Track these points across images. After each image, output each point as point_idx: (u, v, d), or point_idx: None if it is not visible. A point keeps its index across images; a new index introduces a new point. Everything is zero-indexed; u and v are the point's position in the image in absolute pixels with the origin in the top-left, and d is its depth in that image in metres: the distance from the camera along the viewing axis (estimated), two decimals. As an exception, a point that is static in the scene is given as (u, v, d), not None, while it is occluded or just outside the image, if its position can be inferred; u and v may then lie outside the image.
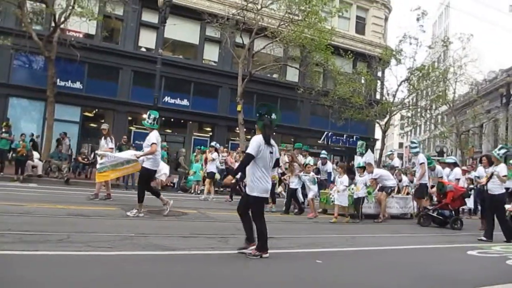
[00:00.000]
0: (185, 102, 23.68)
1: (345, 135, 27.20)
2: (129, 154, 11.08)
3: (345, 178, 10.93)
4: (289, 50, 24.13)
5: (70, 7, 16.56)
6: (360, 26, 29.59)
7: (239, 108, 20.73)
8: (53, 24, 17.51)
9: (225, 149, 18.70)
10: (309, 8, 20.22)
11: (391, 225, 11.19)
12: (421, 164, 11.71)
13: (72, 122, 21.00)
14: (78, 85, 21.23)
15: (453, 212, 11.23)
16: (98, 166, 10.71)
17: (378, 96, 27.86)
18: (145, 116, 9.74)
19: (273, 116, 6.16)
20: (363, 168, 11.49)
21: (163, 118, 22.57)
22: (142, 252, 5.50)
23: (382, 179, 12.05)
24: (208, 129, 25.00)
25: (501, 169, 9.07)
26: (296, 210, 11.92)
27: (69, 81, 20.92)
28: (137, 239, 6.31)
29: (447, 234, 9.94)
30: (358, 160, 12.74)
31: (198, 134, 24.68)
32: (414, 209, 13.03)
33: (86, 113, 22.19)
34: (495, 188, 9.07)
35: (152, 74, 18.56)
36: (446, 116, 37.55)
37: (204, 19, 21.64)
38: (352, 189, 11.55)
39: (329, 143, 26.98)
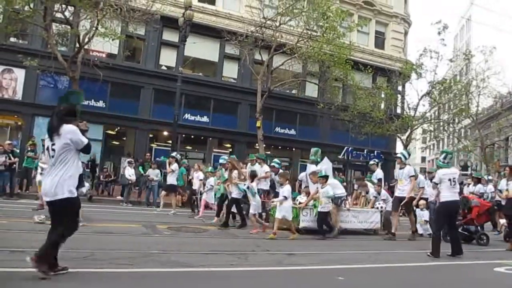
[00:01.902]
0: (205, 119, 23.91)
1: (365, 150, 26.94)
2: None
3: (286, 188, 9.80)
4: (308, 66, 24.20)
5: (94, 28, 17.00)
6: (380, 40, 29.54)
7: (258, 124, 20.80)
8: (77, 45, 17.98)
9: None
10: (327, 24, 20.31)
11: (414, 242, 10.97)
12: (411, 177, 10.93)
13: (95, 140, 21.36)
14: (101, 103, 21.68)
15: (478, 227, 10.97)
16: None
17: (398, 110, 27.62)
18: None
19: (73, 100, 5.48)
20: (325, 178, 10.23)
21: (183, 135, 22.89)
22: (163, 269, 5.53)
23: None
24: (228, 145, 25.13)
25: None
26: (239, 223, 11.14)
27: (92, 100, 21.37)
28: (158, 256, 6.36)
29: (472, 250, 9.66)
30: (311, 169, 11.50)
31: (218, 150, 24.80)
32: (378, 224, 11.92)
33: (109, 131, 22.58)
34: None
35: (172, 91, 18.83)
36: (469, 129, 36.94)
37: (224, 37, 21.97)
38: (314, 202, 10.52)
39: (349, 158, 26.76)
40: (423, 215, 12.09)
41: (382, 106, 25.91)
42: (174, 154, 14.55)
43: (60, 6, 16.88)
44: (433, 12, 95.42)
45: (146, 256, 6.29)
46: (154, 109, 22.62)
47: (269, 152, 24.43)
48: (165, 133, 23.10)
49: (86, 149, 5.14)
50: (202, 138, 24.39)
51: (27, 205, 12.58)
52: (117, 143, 23.72)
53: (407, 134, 26.54)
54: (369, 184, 12.52)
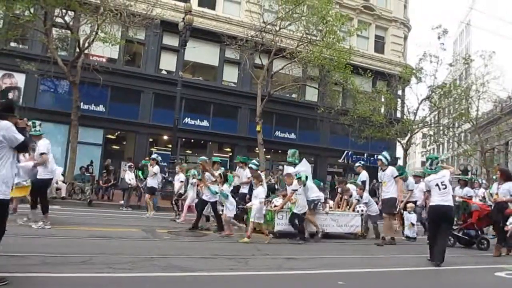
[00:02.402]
0: (205, 123, 23.92)
1: (365, 154, 26.92)
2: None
3: (260, 190, 9.60)
4: (307, 70, 24.24)
5: (94, 33, 17.03)
6: (379, 45, 29.60)
7: (258, 128, 20.80)
8: (77, 50, 18.01)
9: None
10: (326, 28, 20.36)
11: (412, 246, 10.93)
12: (395, 177, 10.63)
13: (95, 145, 21.40)
14: (101, 108, 21.69)
15: (479, 232, 10.92)
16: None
17: (398, 115, 27.64)
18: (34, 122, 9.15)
19: (11, 96, 5.09)
20: (301, 179, 9.87)
21: (183, 140, 22.91)
22: (163, 274, 5.51)
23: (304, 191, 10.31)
24: (228, 149, 25.12)
25: None
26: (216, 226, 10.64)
27: (93, 105, 21.38)
28: (158, 260, 6.34)
29: (472, 255, 9.64)
30: (288, 171, 10.97)
31: (218, 154, 24.73)
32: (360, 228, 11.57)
33: (109, 136, 22.59)
34: None
35: (172, 96, 18.84)
36: (469, 134, 36.92)
37: (224, 41, 22.01)
38: (289, 205, 10.16)
39: (350, 162, 26.75)
40: (411, 218, 11.81)
41: (382, 110, 25.93)
42: (154, 156, 14.20)
43: (60, 11, 16.93)
44: (432, 16, 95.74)
45: (146, 260, 6.27)
46: (154, 113, 22.63)
47: (269, 156, 24.46)
48: (165, 137, 23.11)
49: (21, 147, 4.88)
50: (202, 142, 24.38)
51: (26, 210, 12.55)
52: (117, 147, 23.69)
53: (407, 138, 26.55)
54: (353, 186, 12.27)
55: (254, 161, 12.26)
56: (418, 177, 12.75)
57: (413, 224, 11.75)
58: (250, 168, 11.52)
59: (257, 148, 21.46)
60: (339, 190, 12.73)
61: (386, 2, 30.24)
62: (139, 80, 22.24)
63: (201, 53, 23.25)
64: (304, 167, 11.22)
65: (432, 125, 29.44)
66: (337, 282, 5.76)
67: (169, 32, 22.61)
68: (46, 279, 4.86)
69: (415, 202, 12.21)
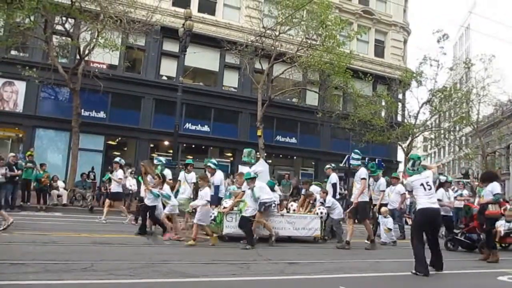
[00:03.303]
0: (205, 128, 23.92)
1: (366, 158, 26.83)
2: None
3: (206, 191, 9.21)
4: (308, 75, 24.27)
5: (94, 40, 17.09)
6: (379, 49, 29.65)
7: (259, 133, 20.83)
8: (77, 57, 18.07)
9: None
10: (326, 33, 20.42)
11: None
12: (362, 179, 10.07)
13: (96, 151, 21.40)
14: (101, 114, 21.71)
15: (481, 235, 10.85)
16: None
17: (399, 118, 27.65)
18: None
19: None
20: (252, 179, 9.35)
21: (184, 145, 22.92)
22: (164, 280, 5.49)
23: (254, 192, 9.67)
24: (229, 154, 25.11)
25: None
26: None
27: (93, 111, 21.40)
28: (159, 266, 6.32)
29: (474, 259, 9.59)
30: (244, 171, 10.59)
31: (219, 159, 24.70)
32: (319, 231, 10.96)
33: (110, 142, 22.60)
34: None
35: (173, 101, 18.86)
36: (470, 137, 36.94)
37: (224, 46, 22.07)
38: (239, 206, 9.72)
39: (351, 166, 26.70)
40: (387, 222, 11.34)
41: (383, 114, 25.96)
42: (117, 159, 13.55)
43: (61, 19, 17.02)
44: (432, 20, 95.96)
45: (148, 266, 6.25)
46: (154, 119, 22.65)
47: (270, 161, 24.43)
48: (166, 142, 23.10)
49: None
50: (203, 147, 24.37)
51: (28, 217, 12.56)
52: (118, 153, 23.66)
53: (408, 142, 26.57)
54: (316, 188, 11.98)
55: (213, 160, 11.95)
56: (396, 179, 12.39)
57: (389, 229, 11.29)
58: (209, 167, 11.03)
59: (258, 153, 21.45)
60: (303, 192, 12.34)
61: (385, 6, 30.31)
62: (140, 86, 22.27)
63: (201, 58, 23.29)
64: (261, 167, 10.89)
65: (433, 128, 29.46)
66: (339, 286, 5.73)
67: (169, 38, 22.66)
68: (48, 286, 4.84)
69: (385, 205, 11.83)
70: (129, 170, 16.47)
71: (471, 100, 27.69)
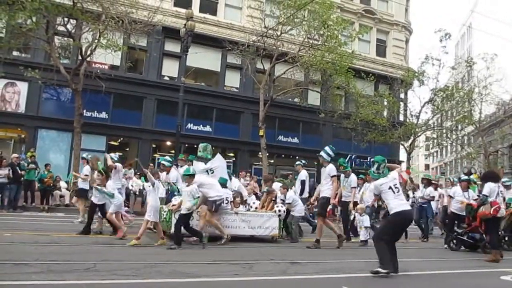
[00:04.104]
0: (207, 128, 23.93)
1: (368, 158, 26.86)
2: None
3: (157, 185, 9.00)
4: (310, 75, 24.25)
5: (96, 40, 17.11)
6: (381, 48, 29.61)
7: (261, 133, 20.82)
8: (79, 57, 18.10)
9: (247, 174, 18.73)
10: (328, 33, 20.41)
11: (413, 250, 10.87)
12: (332, 177, 9.73)
13: (98, 152, 21.35)
14: (103, 115, 21.74)
15: (483, 235, 10.82)
16: None
17: (401, 118, 27.62)
18: None
19: None
20: (191, 176, 8.82)
21: (186, 145, 22.91)
22: (167, 280, 5.49)
23: (203, 189, 9.09)
24: (231, 154, 25.10)
25: None
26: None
27: (95, 112, 21.43)
28: (162, 266, 6.33)
29: (477, 259, 9.56)
30: (199, 167, 10.24)
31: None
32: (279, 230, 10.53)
33: (112, 142, 22.61)
34: None
35: (175, 102, 18.89)
36: (473, 136, 36.86)
37: (225, 46, 22.09)
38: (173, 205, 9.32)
39: (353, 166, 26.69)
40: (363, 220, 10.81)
41: (385, 113, 25.93)
42: (85, 155, 13.14)
43: (63, 20, 17.04)
44: (434, 19, 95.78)
45: (150, 267, 6.26)
46: (156, 119, 22.67)
47: (272, 161, 24.45)
48: (168, 143, 23.11)
49: None
50: (205, 147, 24.33)
51: (31, 218, 12.60)
52: (120, 154, 23.66)
53: (410, 141, 26.54)
54: (279, 185, 11.58)
55: (167, 157, 11.55)
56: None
57: (366, 228, 10.82)
58: (162, 165, 10.79)
59: (260, 153, 21.46)
60: (265, 189, 11.92)
61: (387, 5, 30.28)
62: (142, 87, 22.29)
63: (203, 58, 23.29)
64: (218, 163, 10.53)
65: (435, 128, 29.38)
66: (342, 286, 5.72)
67: (171, 38, 22.67)
68: (50, 287, 4.85)
69: (356, 203, 11.32)
70: (131, 170, 16.49)
71: (473, 99, 27.64)
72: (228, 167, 14.76)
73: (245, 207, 10.83)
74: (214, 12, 24.60)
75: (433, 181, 14.49)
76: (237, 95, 24.52)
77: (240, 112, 24.56)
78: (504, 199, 10.05)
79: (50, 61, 18.61)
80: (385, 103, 25.90)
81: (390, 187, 6.95)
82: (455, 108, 27.65)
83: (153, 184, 8.86)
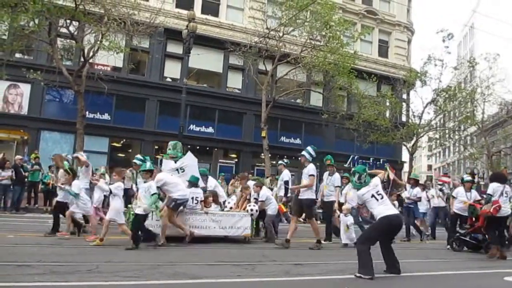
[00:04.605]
0: (210, 129, 23.94)
1: (371, 158, 26.84)
2: None
3: (117, 185, 8.62)
4: (312, 75, 24.24)
5: (98, 42, 17.15)
6: (383, 49, 29.58)
7: (263, 134, 20.82)
8: (82, 59, 18.13)
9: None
10: (330, 33, 20.41)
11: (417, 250, 10.82)
12: (310, 176, 9.62)
13: (100, 153, 21.43)
14: (106, 116, 21.78)
15: (486, 236, 10.78)
16: None
17: (404, 118, 27.58)
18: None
19: None
20: (148, 172, 8.57)
21: (188, 146, 22.92)
22: (170, 281, 5.48)
23: (167, 188, 8.87)
24: (234, 155, 25.11)
25: None
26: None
27: (98, 113, 21.48)
28: (164, 268, 6.33)
29: (481, 259, 9.54)
30: (168, 165, 10.03)
31: (224, 161, 24.79)
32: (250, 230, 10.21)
33: (114, 144, 22.65)
34: None
35: (177, 103, 18.90)
36: (475, 137, 36.78)
37: (227, 48, 22.11)
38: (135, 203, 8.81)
39: (355, 166, 26.67)
40: (348, 221, 10.43)
41: (387, 114, 25.89)
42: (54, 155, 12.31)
43: (65, 22, 17.05)
44: (436, 20, 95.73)
45: (153, 268, 6.26)
46: (159, 120, 22.70)
47: (274, 162, 24.41)
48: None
49: None
50: (207, 149, 24.38)
51: (33, 219, 12.62)
52: (122, 155, 23.72)
53: (412, 142, 26.49)
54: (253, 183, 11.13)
55: (139, 156, 11.28)
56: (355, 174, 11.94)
57: (348, 227, 10.43)
58: (135, 164, 10.47)
59: (262, 154, 21.46)
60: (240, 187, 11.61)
61: (389, 6, 30.26)
62: (144, 88, 22.32)
63: (205, 60, 23.32)
64: (189, 161, 10.27)
65: (438, 128, 29.33)
66: (345, 287, 5.71)
67: (173, 39, 22.70)
68: (52, 288, 4.86)
69: (341, 203, 11.14)
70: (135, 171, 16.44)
71: (476, 100, 27.57)
72: (205, 166, 14.55)
73: (220, 206, 10.60)
74: (216, 14, 24.63)
75: (425, 182, 14.54)
76: (239, 96, 24.53)
77: (243, 113, 24.56)
78: (510, 199, 10.05)
79: (52, 63, 18.65)
80: (388, 103, 25.88)
81: (372, 195, 6.90)
82: (458, 109, 27.60)
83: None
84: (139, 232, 8.22)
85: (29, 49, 19.89)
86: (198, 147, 24.12)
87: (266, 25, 21.13)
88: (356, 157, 26.55)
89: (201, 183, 10.33)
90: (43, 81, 18.10)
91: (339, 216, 10.84)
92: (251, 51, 21.45)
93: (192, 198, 9.40)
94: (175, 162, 10.15)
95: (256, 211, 10.08)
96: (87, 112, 19.21)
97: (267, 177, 18.91)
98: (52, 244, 7.90)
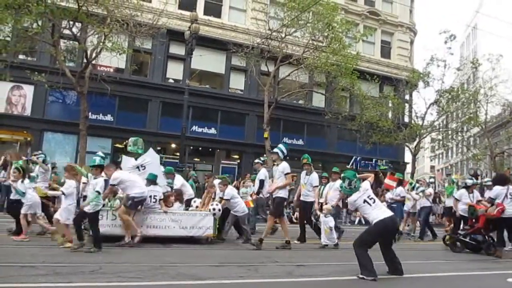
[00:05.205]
0: (212, 130, 23.95)
1: (374, 159, 26.83)
2: None
3: (68, 185, 8.22)
4: (314, 76, 24.23)
5: (101, 43, 17.19)
6: (386, 50, 29.56)
7: (266, 135, 20.82)
8: (85, 60, 18.18)
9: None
10: (332, 34, 20.41)
11: (419, 252, 10.81)
12: (286, 174, 9.47)
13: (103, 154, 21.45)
14: (109, 117, 21.83)
15: (486, 237, 10.74)
16: None
17: (406, 119, 27.54)
18: None
19: None
20: (98, 168, 8.23)
21: (191, 147, 22.98)
22: (173, 282, 5.50)
23: (123, 186, 8.59)
24: (236, 156, 25.11)
25: None
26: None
27: (101, 114, 21.53)
28: (167, 269, 6.34)
29: (483, 260, 9.51)
30: (128, 163, 9.78)
31: (226, 162, 24.79)
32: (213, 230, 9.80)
33: (117, 145, 22.69)
34: None
35: (180, 104, 18.92)
36: (478, 138, 36.66)
37: (230, 49, 22.13)
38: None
39: (358, 167, 26.64)
40: (328, 221, 10.10)
41: (390, 115, 25.86)
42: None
43: (68, 23, 17.10)
44: (438, 20, 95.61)
45: (156, 269, 6.27)
46: (161, 122, 22.72)
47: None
48: (173, 145, 23.17)
49: None
50: (210, 150, 24.41)
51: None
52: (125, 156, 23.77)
53: (415, 143, 26.46)
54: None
55: (99, 152, 10.77)
56: (336, 174, 11.43)
57: (331, 229, 10.15)
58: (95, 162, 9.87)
59: (265, 155, 21.43)
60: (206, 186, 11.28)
61: (391, 7, 30.23)
62: (147, 89, 22.36)
63: (207, 61, 23.35)
64: (150, 158, 9.97)
65: (441, 129, 29.26)
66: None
67: (176, 41, 22.74)
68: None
69: (313, 202, 10.81)
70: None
71: (479, 100, 27.50)
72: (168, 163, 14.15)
73: (189, 205, 10.31)
74: (218, 15, 24.65)
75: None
76: (242, 97, 24.55)
77: (245, 114, 24.57)
78: None
79: (55, 64, 18.73)
80: (390, 104, 25.84)
81: (364, 201, 6.84)
82: (461, 110, 27.53)
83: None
84: (96, 232, 7.83)
85: (32, 51, 19.95)
86: (200, 148, 24.19)
87: (268, 26, 21.14)
88: (358, 158, 26.54)
89: (162, 181, 10.02)
90: (46, 82, 18.16)
91: (319, 217, 10.51)
92: (253, 52, 21.46)
93: (151, 196, 9.11)
94: (136, 159, 9.86)
95: (219, 210, 9.71)
96: (90, 113, 19.24)
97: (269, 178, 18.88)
98: (56, 245, 7.92)
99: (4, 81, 17.94)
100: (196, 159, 24.72)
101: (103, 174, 8.41)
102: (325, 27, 20.39)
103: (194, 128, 23.29)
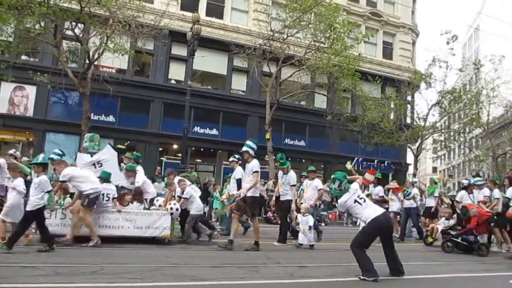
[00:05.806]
0: (214, 131, 23.95)
1: (376, 160, 26.79)
2: None
3: (18, 182, 7.79)
4: (316, 77, 24.23)
5: (103, 44, 17.23)
6: (388, 51, 29.53)
7: (267, 136, 20.83)
8: (87, 61, 18.22)
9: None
10: (334, 35, 20.42)
11: (421, 253, 10.78)
12: (254, 173, 9.12)
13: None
14: (111, 118, 21.85)
15: (478, 237, 10.68)
16: None
17: (408, 120, 27.52)
18: None
19: None
20: (40, 166, 7.91)
21: (193, 148, 22.97)
22: (173, 283, 5.50)
23: (75, 183, 8.29)
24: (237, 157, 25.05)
25: None
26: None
27: (103, 115, 21.56)
28: (168, 269, 6.34)
29: (484, 262, 9.45)
30: (83, 159, 9.44)
31: (228, 163, 24.75)
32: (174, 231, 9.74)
33: (119, 145, 22.70)
34: None
35: (182, 105, 18.93)
36: (481, 139, 36.62)
37: (232, 50, 22.16)
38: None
39: (360, 168, 26.61)
40: (307, 221, 9.88)
41: (392, 116, 25.85)
42: (12, 151, 11.56)
43: (70, 24, 17.15)
44: (440, 21, 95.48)
45: (156, 269, 6.27)
46: (163, 122, 22.74)
47: (277, 164, 24.40)
48: (175, 146, 23.19)
49: None
50: (211, 150, 24.42)
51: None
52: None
53: (417, 144, 26.42)
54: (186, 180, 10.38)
55: (56, 150, 10.13)
56: (313, 172, 11.27)
57: (310, 228, 9.90)
58: (51, 159, 9.55)
59: (266, 156, 21.45)
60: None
61: (393, 8, 30.21)
62: (149, 90, 22.39)
63: (209, 62, 23.36)
64: (107, 155, 9.63)
65: (443, 130, 29.25)
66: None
67: (178, 42, 22.77)
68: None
69: (291, 201, 10.54)
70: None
71: (481, 102, 27.50)
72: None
73: (151, 204, 9.97)
74: (220, 16, 24.68)
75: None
76: (244, 98, 24.55)
77: (247, 115, 24.57)
78: None
79: (58, 65, 18.75)
80: (392, 105, 25.84)
81: (355, 201, 6.81)
82: (463, 110, 27.52)
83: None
84: (46, 232, 7.54)
85: (34, 52, 20.01)
86: (202, 149, 24.19)
87: (270, 27, 21.16)
88: (360, 159, 26.50)
89: (122, 181, 9.83)
90: (49, 83, 18.20)
91: (297, 217, 10.33)
92: (255, 53, 21.49)
93: (103, 194, 8.73)
94: (91, 156, 9.56)
95: (177, 209, 9.40)
96: (92, 114, 19.28)
97: (271, 179, 18.92)
98: (58, 246, 7.92)
99: (6, 82, 18.00)
100: (198, 160, 24.74)
101: (51, 171, 8.13)
102: (327, 28, 20.42)
103: (196, 129, 23.30)
